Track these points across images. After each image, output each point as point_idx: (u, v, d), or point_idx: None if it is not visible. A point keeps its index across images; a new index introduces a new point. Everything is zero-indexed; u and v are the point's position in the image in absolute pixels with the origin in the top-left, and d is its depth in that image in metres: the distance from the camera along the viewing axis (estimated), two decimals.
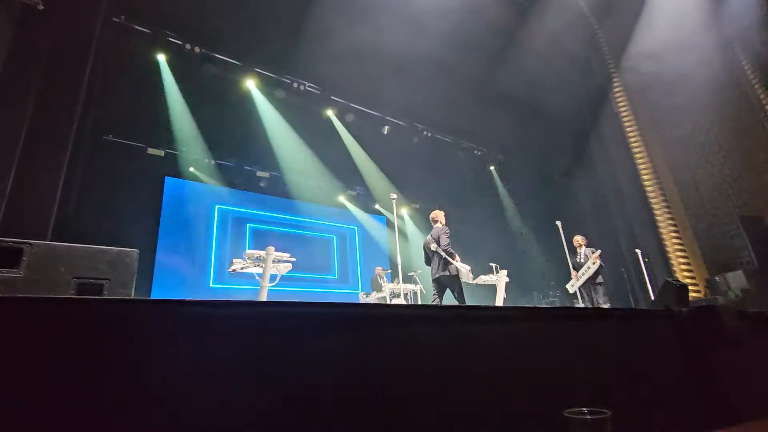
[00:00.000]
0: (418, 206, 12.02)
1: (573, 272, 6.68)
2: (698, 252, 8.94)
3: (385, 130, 10.38)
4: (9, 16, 4.88)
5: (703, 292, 8.39)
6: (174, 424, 1.06)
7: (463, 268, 5.11)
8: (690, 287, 7.99)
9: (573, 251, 6.85)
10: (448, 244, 5.17)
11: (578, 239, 6.91)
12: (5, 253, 1.82)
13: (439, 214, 5.64)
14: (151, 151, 8.15)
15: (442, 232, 5.32)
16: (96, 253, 1.99)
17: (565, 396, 1.49)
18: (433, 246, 5.23)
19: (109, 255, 2.02)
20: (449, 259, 5.06)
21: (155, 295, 7.29)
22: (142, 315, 1.15)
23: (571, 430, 1.02)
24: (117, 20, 6.84)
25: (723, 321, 2.19)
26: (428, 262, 5.47)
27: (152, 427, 1.04)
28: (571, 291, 6.76)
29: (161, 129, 8.04)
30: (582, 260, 6.73)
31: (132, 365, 1.08)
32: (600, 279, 6.61)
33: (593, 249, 6.68)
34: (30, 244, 1.87)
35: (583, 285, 6.59)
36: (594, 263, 6.49)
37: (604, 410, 1.03)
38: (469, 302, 5.98)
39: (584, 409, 1.05)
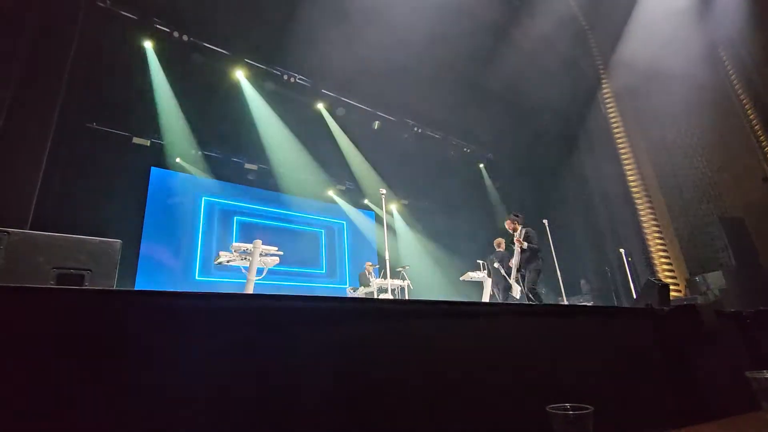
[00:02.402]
0: (407, 202, 12.04)
1: (512, 261, 6.02)
2: (680, 252, 9.16)
3: (376, 125, 10.35)
4: None
5: (683, 292, 8.61)
6: (157, 418, 1.04)
7: (516, 286, 6.62)
8: (671, 287, 8.19)
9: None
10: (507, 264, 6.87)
11: (508, 223, 6.09)
12: None
13: (501, 241, 7.14)
14: (136, 140, 7.97)
15: (505, 255, 6.89)
16: (77, 242, 1.95)
17: (548, 391, 1.52)
18: (496, 264, 6.80)
19: (90, 245, 1.97)
20: (507, 276, 6.61)
21: (139, 287, 7.18)
22: (125, 306, 1.13)
23: (553, 425, 1.03)
24: (102, 4, 6.65)
25: (702, 320, 2.24)
26: (489, 274, 7.14)
27: (135, 421, 1.02)
28: (511, 281, 6.06)
29: (147, 118, 7.86)
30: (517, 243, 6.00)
31: (113, 358, 1.06)
32: (532, 265, 5.75)
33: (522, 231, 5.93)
34: (7, 232, 1.82)
35: (521, 269, 5.89)
36: (520, 247, 5.64)
37: (587, 406, 1.04)
38: (456, 299, 6.15)
39: (567, 404, 1.06)
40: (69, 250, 1.90)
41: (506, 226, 6.09)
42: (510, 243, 6.03)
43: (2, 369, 0.94)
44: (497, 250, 7.02)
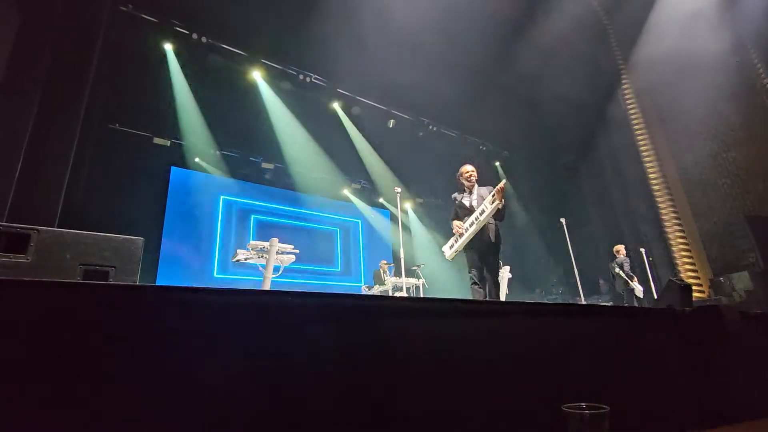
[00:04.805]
0: (422, 200, 12.01)
1: (455, 224, 4.14)
2: (703, 252, 8.88)
3: (391, 123, 10.34)
4: (18, 4, 4.89)
5: (707, 293, 8.35)
6: (173, 407, 1.08)
7: (637, 287, 7.03)
8: (694, 287, 7.95)
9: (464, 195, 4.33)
10: (630, 268, 7.28)
11: (468, 170, 4.31)
12: (13, 239, 1.85)
13: (620, 248, 7.46)
14: (157, 140, 8.16)
15: (624, 261, 7.36)
16: (102, 240, 2.01)
17: (564, 391, 1.50)
18: (617, 270, 7.17)
19: (114, 242, 2.04)
20: (629, 280, 7.06)
21: (160, 283, 7.35)
22: (146, 301, 1.17)
23: (569, 424, 1.03)
24: (124, 9, 6.84)
25: (725, 322, 2.18)
26: (612, 279, 7.55)
27: (152, 410, 1.06)
28: (448, 255, 4.22)
29: (167, 119, 8.05)
30: (475, 203, 4.11)
31: (135, 349, 1.10)
32: (497, 237, 4.01)
33: (490, 188, 4.06)
34: (37, 230, 1.89)
35: (477, 247, 4.00)
36: (493, 203, 3.84)
37: (603, 405, 1.04)
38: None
39: (583, 404, 1.05)
40: (95, 248, 1.97)
41: (470, 173, 4.32)
42: (462, 184, 4.34)
43: (33, 357, 0.99)
44: (618, 256, 7.34)
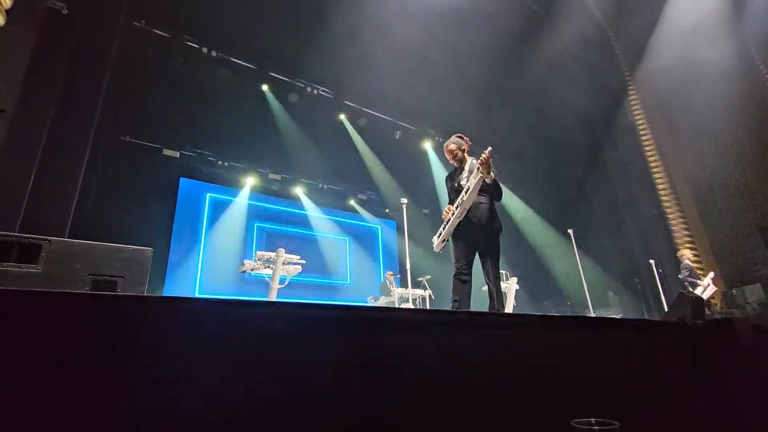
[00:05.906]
0: (428, 212, 12.00)
1: (444, 210, 3.49)
2: (715, 264, 8.75)
3: (397, 134, 10.41)
4: (34, 19, 5.04)
5: (719, 305, 8.20)
6: (179, 419, 1.08)
7: (700, 293, 6.94)
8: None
9: (455, 173, 3.72)
10: (689, 275, 7.22)
11: (452, 146, 3.72)
12: (24, 249, 1.87)
13: (684, 252, 7.61)
14: (166, 152, 8.30)
15: (684, 267, 7.34)
16: (111, 251, 2.03)
17: (572, 406, 1.47)
18: (680, 275, 7.27)
19: (123, 253, 2.06)
20: (689, 286, 7.06)
21: (167, 293, 7.39)
22: (153, 312, 1.17)
23: None
24: (137, 24, 7.01)
25: (738, 335, 2.13)
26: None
27: (158, 421, 1.06)
28: (435, 246, 3.56)
29: (177, 131, 8.19)
30: (463, 181, 3.45)
31: (142, 360, 1.10)
32: (491, 218, 3.35)
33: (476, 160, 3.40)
34: (48, 240, 1.92)
35: (465, 233, 3.34)
36: (477, 177, 3.16)
37: (613, 421, 1.02)
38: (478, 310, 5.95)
39: (592, 419, 1.04)
40: (104, 258, 1.99)
41: (450, 150, 3.73)
42: (456, 161, 3.71)
43: (42, 366, 1.00)
44: (683, 261, 7.37)
